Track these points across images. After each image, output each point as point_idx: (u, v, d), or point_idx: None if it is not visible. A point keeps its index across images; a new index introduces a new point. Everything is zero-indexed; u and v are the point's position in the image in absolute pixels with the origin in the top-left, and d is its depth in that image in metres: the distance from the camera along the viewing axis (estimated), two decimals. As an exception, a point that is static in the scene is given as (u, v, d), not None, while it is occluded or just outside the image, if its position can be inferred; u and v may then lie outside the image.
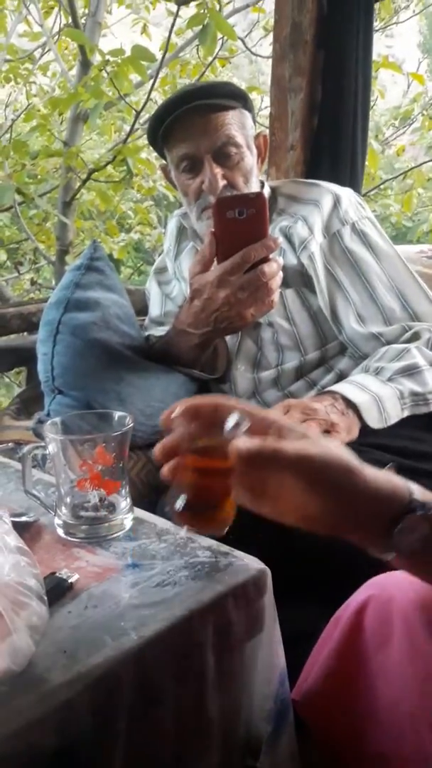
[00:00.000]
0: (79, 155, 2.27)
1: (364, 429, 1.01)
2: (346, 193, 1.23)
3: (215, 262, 1.08)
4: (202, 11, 1.81)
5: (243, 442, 0.52)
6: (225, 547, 0.67)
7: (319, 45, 1.55)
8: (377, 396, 1.02)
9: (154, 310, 1.43)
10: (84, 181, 2.39)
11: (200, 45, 1.79)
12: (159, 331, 1.35)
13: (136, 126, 2.36)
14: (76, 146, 2.35)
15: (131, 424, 0.71)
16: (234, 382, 1.27)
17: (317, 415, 0.97)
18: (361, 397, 1.01)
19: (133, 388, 1.16)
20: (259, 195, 1.02)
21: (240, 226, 1.02)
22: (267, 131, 1.32)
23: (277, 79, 1.58)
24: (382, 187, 2.77)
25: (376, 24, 2.87)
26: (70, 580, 0.60)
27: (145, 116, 2.36)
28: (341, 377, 1.18)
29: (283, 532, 0.88)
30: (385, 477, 0.54)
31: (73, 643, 0.54)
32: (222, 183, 1.18)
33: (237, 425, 0.55)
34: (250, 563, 0.64)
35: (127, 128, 2.56)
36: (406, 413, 1.04)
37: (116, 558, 0.65)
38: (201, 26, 1.81)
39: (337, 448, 0.54)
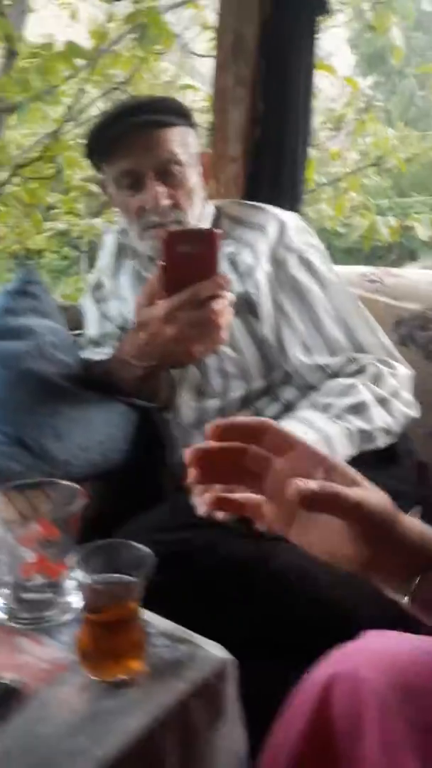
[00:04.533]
0: (4, 150, 2.14)
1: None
2: (291, 219, 1.21)
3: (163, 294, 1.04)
4: (138, 6, 1.73)
5: (303, 482, 0.51)
6: (184, 633, 0.63)
7: (263, 55, 1.51)
8: (326, 435, 1.00)
9: (92, 329, 1.36)
10: (10, 176, 2.26)
11: (141, 45, 1.71)
12: (96, 354, 1.28)
13: (67, 120, 2.24)
14: (1, 140, 2.22)
15: (83, 502, 0.65)
16: (178, 411, 1.23)
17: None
18: (310, 436, 0.99)
19: (70, 421, 1.10)
20: (212, 232, 0.98)
21: (190, 261, 0.97)
22: (210, 150, 1.27)
23: (219, 88, 1.53)
24: (316, 190, 2.77)
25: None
26: (17, 687, 0.55)
27: (76, 106, 2.25)
28: (287, 407, 1.16)
29: (233, 588, 0.87)
30: (417, 527, 0.55)
31: (24, 771, 0.48)
32: (166, 202, 1.13)
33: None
34: (213, 653, 0.60)
35: (54, 115, 2.44)
36: (353, 451, 1.03)
37: (66, 650, 0.60)
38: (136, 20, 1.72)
39: (385, 498, 0.55)
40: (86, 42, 2.39)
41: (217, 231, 0.97)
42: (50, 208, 3.83)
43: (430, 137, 3.11)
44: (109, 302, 1.35)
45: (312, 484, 0.51)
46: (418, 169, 8.00)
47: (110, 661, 0.57)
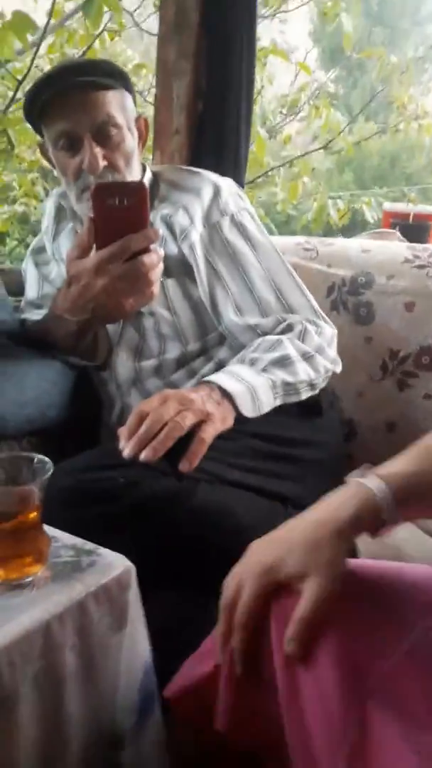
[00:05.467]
0: None
1: (239, 417, 1.03)
2: (225, 184, 1.24)
3: (94, 249, 1.06)
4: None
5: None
6: (89, 545, 0.66)
7: (205, 29, 1.54)
8: (251, 385, 1.04)
9: (31, 292, 1.38)
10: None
11: (85, 17, 1.72)
12: (36, 315, 1.30)
13: (19, 95, 2.25)
14: None
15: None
16: (114, 369, 1.26)
17: (193, 405, 0.98)
18: (235, 386, 1.03)
19: (3, 376, 1.12)
20: (140, 184, 1.00)
21: (120, 214, 1.00)
22: (147, 114, 1.30)
23: (162, 61, 1.56)
24: (269, 174, 2.82)
25: (266, 11, 2.89)
26: None
27: (29, 85, 2.25)
28: (221, 366, 1.19)
29: (154, 524, 0.90)
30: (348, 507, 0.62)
31: None
32: (102, 163, 1.15)
33: None
34: (114, 561, 0.64)
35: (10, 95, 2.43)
36: (278, 402, 1.07)
37: (-25, 560, 0.63)
38: (86, -4, 1.74)
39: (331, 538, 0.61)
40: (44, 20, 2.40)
41: (146, 183, 1.00)
42: (5, 193, 3.80)
43: (383, 126, 3.18)
44: (50, 264, 1.37)
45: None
46: (380, 162, 8.16)
47: (11, 565, 0.60)
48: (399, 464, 0.65)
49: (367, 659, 0.59)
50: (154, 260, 1.05)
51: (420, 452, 0.66)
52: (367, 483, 0.62)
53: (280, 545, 0.62)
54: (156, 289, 1.08)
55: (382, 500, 0.61)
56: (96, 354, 1.25)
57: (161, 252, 1.06)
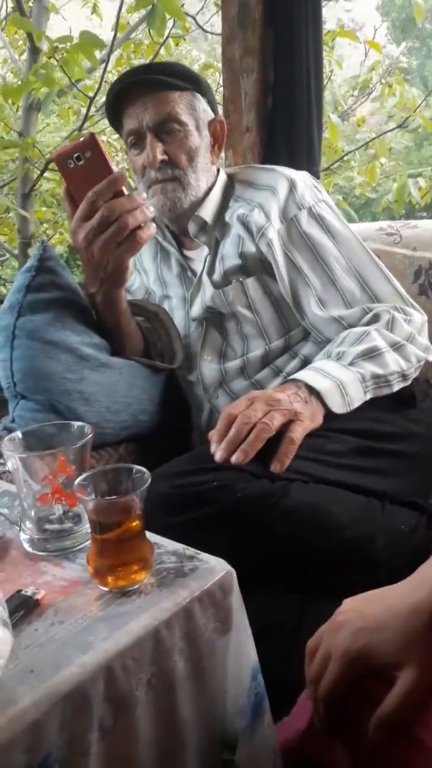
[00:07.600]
0: (35, 145, 2.23)
1: (329, 414, 1.02)
2: (301, 177, 1.23)
3: None
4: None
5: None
6: (191, 551, 0.67)
7: (268, 23, 1.53)
8: (339, 381, 1.02)
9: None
10: (42, 172, 2.35)
11: (149, 27, 1.75)
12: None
13: (91, 111, 2.31)
14: (31, 137, 2.30)
15: (90, 435, 0.71)
16: (201, 372, 1.27)
17: (281, 405, 0.98)
18: (323, 383, 1.02)
19: (96, 386, 1.15)
20: (91, 135, 0.99)
21: (83, 172, 0.99)
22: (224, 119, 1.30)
23: (228, 60, 1.56)
24: (345, 159, 2.75)
25: (330, -8, 2.82)
26: (35, 597, 0.61)
27: (101, 100, 2.32)
28: (305, 363, 1.18)
29: (249, 526, 0.91)
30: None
31: (40, 661, 0.54)
32: (161, 157, 1.16)
33: None
34: (216, 565, 0.65)
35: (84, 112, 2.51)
36: (368, 396, 1.05)
37: (82, 570, 0.66)
38: (150, 6, 1.77)
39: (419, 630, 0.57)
40: (110, 35, 2.46)
41: (94, 134, 0.99)
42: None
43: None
44: (132, 276, 1.41)
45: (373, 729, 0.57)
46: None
47: (118, 573, 0.62)
48: None
49: None
50: (125, 204, 1.00)
51: None
52: None
53: (373, 626, 0.59)
54: (144, 234, 1.02)
55: None
56: (174, 355, 1.26)
57: (139, 197, 1.01)
